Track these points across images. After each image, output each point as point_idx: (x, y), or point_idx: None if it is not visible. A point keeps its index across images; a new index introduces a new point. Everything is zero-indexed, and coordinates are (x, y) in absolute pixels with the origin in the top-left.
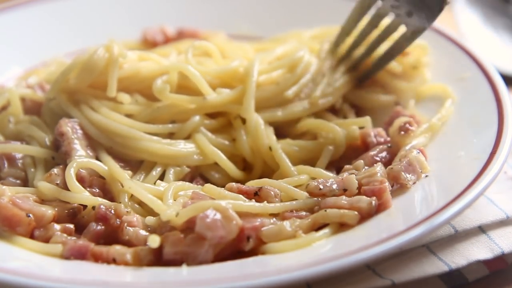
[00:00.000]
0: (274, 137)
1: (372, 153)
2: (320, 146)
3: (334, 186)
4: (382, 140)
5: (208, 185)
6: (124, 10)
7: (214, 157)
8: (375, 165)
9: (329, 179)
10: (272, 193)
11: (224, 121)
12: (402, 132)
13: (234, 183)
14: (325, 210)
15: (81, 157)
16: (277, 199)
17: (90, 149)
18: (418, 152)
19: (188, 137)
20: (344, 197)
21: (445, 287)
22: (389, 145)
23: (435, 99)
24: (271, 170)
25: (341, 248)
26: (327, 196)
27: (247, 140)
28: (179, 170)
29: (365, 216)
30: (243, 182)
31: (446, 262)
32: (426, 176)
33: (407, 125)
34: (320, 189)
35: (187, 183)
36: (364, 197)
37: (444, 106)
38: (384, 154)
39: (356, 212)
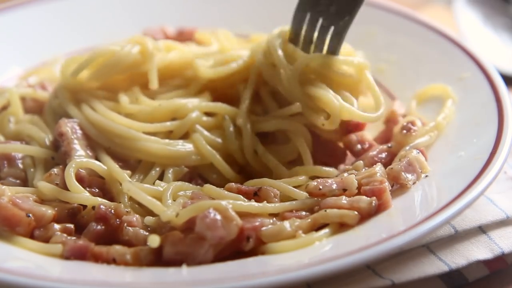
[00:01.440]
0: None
1: (372, 153)
2: (295, 147)
3: (334, 186)
4: (366, 146)
5: (207, 186)
6: (124, 10)
7: (210, 158)
8: (374, 165)
9: (328, 179)
10: (272, 193)
11: (221, 118)
12: (405, 131)
13: (233, 183)
14: (325, 210)
15: (81, 157)
16: (276, 199)
17: (89, 149)
18: (418, 152)
19: (186, 136)
20: (344, 197)
21: (445, 287)
22: (389, 145)
23: (435, 99)
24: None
25: (341, 248)
26: (327, 196)
27: (236, 141)
28: (178, 170)
29: (365, 216)
30: (240, 183)
31: (446, 262)
32: (426, 176)
33: (410, 125)
34: (320, 189)
35: (186, 183)
36: (364, 197)
37: (446, 106)
38: (384, 154)
39: (356, 212)
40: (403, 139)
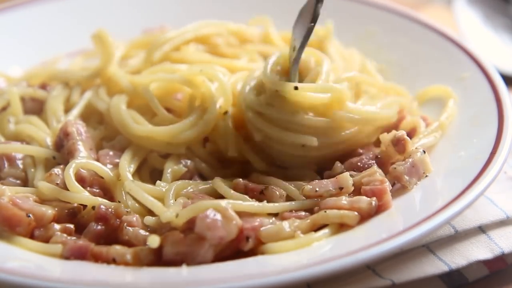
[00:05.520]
0: None
1: (356, 159)
2: None
3: (330, 187)
4: None
5: (217, 180)
6: (124, 10)
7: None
8: (372, 165)
9: (323, 180)
10: (278, 193)
11: None
12: (394, 146)
13: (240, 179)
14: (325, 211)
15: (83, 158)
16: (282, 200)
17: (93, 152)
18: (424, 153)
19: None
20: (344, 197)
21: (445, 287)
22: (377, 155)
23: (435, 100)
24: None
25: (341, 248)
26: (324, 197)
27: None
28: (176, 170)
29: (365, 216)
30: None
31: (446, 262)
32: (426, 176)
33: (399, 139)
34: (316, 191)
35: (187, 180)
36: (364, 197)
37: (448, 106)
38: (371, 162)
39: (356, 213)
40: (391, 152)
